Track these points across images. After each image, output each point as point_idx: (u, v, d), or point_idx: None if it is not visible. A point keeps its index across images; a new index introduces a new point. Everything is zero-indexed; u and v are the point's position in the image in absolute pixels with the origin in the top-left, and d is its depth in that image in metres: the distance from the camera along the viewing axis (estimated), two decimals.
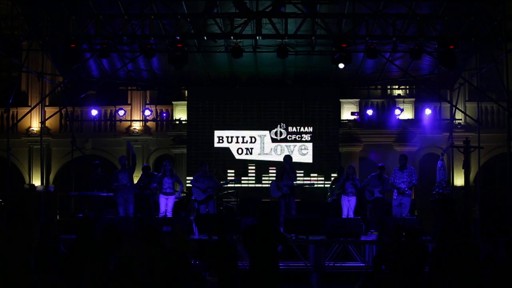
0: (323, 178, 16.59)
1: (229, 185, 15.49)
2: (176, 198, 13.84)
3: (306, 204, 15.09)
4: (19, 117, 17.57)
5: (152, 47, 12.72)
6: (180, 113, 18.56)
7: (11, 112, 16.90)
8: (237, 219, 12.81)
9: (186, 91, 18.28)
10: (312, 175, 16.66)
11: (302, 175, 16.32)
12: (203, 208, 13.62)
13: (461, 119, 18.31)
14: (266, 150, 16.91)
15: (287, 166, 13.73)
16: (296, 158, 16.33)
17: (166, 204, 13.56)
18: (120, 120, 18.75)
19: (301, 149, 16.78)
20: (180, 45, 12.34)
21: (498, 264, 6.90)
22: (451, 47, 12.05)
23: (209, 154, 16.78)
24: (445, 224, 11.84)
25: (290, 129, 16.95)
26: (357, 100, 18.83)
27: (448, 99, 16.62)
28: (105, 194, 14.00)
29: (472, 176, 17.86)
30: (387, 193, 13.83)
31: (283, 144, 16.92)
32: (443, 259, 8.02)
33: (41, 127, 16.26)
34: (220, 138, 17.02)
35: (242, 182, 16.39)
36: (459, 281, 7.01)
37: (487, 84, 18.10)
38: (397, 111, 17.38)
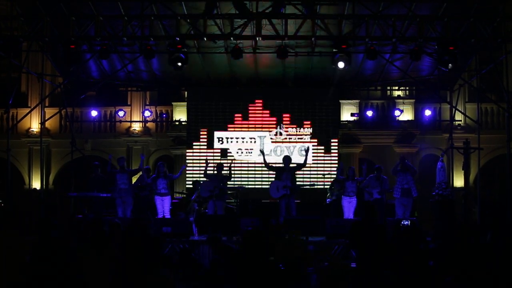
0: (322, 179, 16.58)
1: (228, 187, 15.51)
2: (175, 198, 13.85)
3: (306, 205, 15.08)
4: (19, 118, 17.56)
5: (152, 48, 12.70)
6: (180, 114, 18.54)
7: (11, 113, 16.92)
8: (237, 220, 12.80)
9: (186, 92, 18.27)
10: (312, 176, 16.64)
11: (301, 176, 16.30)
12: (211, 207, 13.53)
13: (461, 120, 18.29)
14: (266, 151, 16.85)
15: (286, 167, 13.74)
16: (296, 159, 16.26)
17: (162, 205, 13.56)
18: (120, 121, 18.71)
19: (301, 150, 16.75)
20: (180, 46, 12.35)
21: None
22: (451, 48, 12.05)
23: (209, 155, 16.77)
24: (445, 226, 11.84)
25: (290, 130, 16.94)
26: (357, 101, 18.81)
27: (448, 100, 16.60)
28: (105, 195, 13.99)
29: (472, 177, 17.86)
30: (386, 194, 13.82)
31: (283, 145, 16.92)
32: (442, 260, 7.99)
33: (41, 128, 16.24)
34: (220, 139, 17.01)
35: (242, 183, 16.37)
36: (459, 282, 6.99)
37: (487, 85, 18.08)
38: (397, 112, 17.34)
